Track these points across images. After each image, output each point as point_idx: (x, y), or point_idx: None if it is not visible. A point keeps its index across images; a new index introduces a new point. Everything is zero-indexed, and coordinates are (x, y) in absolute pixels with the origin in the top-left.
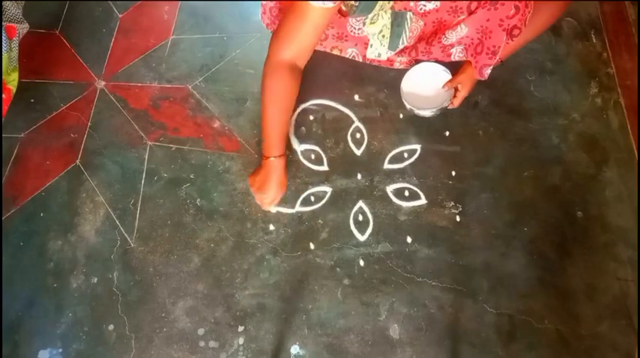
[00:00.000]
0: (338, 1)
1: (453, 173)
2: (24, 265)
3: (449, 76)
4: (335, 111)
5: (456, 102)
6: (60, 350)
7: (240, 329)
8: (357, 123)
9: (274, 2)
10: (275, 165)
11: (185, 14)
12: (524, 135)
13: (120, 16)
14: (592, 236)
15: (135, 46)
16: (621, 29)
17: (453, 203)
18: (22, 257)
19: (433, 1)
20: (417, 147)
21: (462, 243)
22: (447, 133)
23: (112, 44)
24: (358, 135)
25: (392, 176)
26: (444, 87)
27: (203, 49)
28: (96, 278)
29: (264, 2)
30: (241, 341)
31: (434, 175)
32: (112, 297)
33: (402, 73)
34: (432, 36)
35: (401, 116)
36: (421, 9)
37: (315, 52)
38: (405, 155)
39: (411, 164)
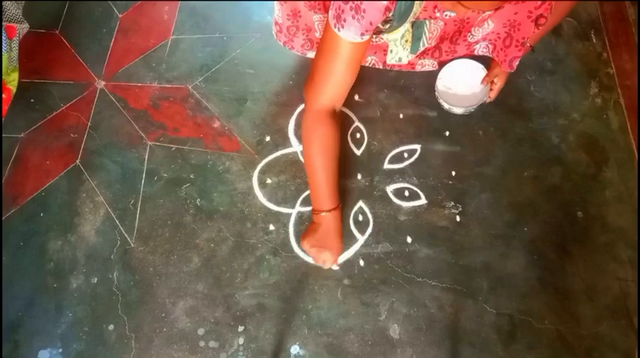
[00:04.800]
0: (370, 35)
1: (453, 173)
2: (24, 265)
3: (483, 71)
4: None
5: (493, 95)
6: (60, 350)
7: (240, 329)
8: (357, 123)
9: (291, 22)
10: (331, 220)
11: (185, 14)
12: (524, 135)
13: (120, 16)
14: (592, 236)
15: (135, 46)
16: (621, 29)
17: (453, 203)
18: (22, 257)
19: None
20: (417, 147)
21: (462, 243)
22: (447, 133)
23: (112, 44)
24: (358, 135)
25: (392, 176)
26: (482, 82)
27: (203, 49)
28: (96, 278)
29: (279, 22)
30: (241, 341)
31: (434, 175)
32: (112, 297)
33: (403, 73)
34: (455, 34)
35: (401, 116)
36: (447, 15)
37: None
38: (405, 155)
39: (411, 164)
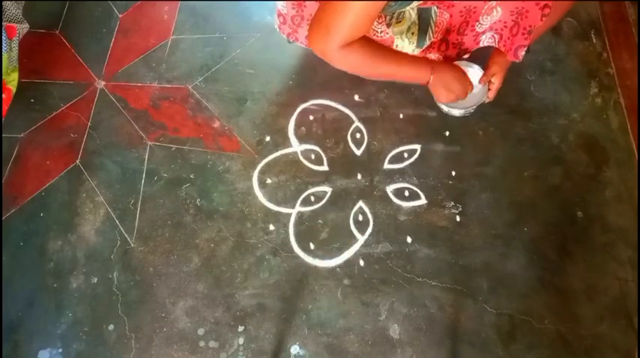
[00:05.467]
0: None
1: (453, 173)
2: (24, 265)
3: (479, 71)
4: (335, 111)
5: (492, 95)
6: (60, 350)
7: (240, 329)
8: (357, 123)
9: (296, 11)
10: (439, 79)
11: (185, 14)
12: (524, 135)
13: (120, 16)
14: (592, 236)
15: (135, 46)
16: (621, 29)
17: (453, 203)
18: (22, 257)
19: None
20: (417, 147)
21: (462, 243)
22: (447, 133)
23: (112, 44)
24: (358, 135)
25: (392, 176)
26: (480, 82)
27: (203, 49)
28: (96, 278)
29: (283, 12)
30: (241, 341)
31: (434, 175)
32: (112, 297)
33: None
34: (462, 25)
35: (401, 116)
36: None
37: None
38: (405, 155)
39: (411, 164)
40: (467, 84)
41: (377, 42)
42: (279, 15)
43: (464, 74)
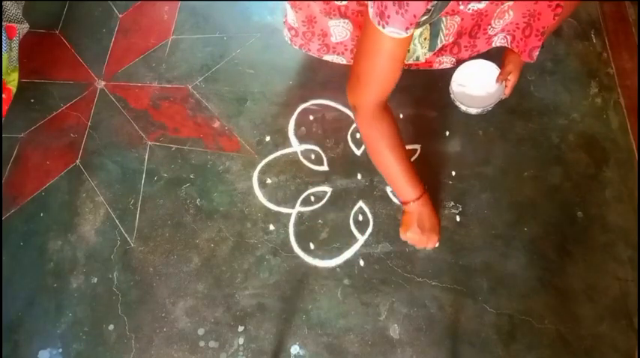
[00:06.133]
0: (413, 29)
1: (453, 173)
2: (24, 265)
3: (496, 70)
4: (335, 111)
5: (508, 91)
6: (60, 350)
7: (240, 329)
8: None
9: (307, 28)
10: (422, 206)
11: (185, 14)
12: (524, 135)
13: (120, 16)
14: (592, 236)
15: (135, 46)
16: (621, 29)
17: (453, 203)
18: (22, 257)
19: (484, 1)
20: (417, 147)
21: (462, 243)
22: (447, 133)
23: (112, 44)
24: (358, 135)
25: None
26: (497, 81)
27: (203, 49)
28: (96, 278)
29: (295, 26)
30: (241, 341)
31: (434, 175)
32: (112, 297)
33: (403, 73)
34: (474, 28)
35: (401, 116)
36: (470, 9)
37: None
38: None
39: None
40: (436, 232)
41: (401, 142)
42: (291, 28)
43: (437, 222)
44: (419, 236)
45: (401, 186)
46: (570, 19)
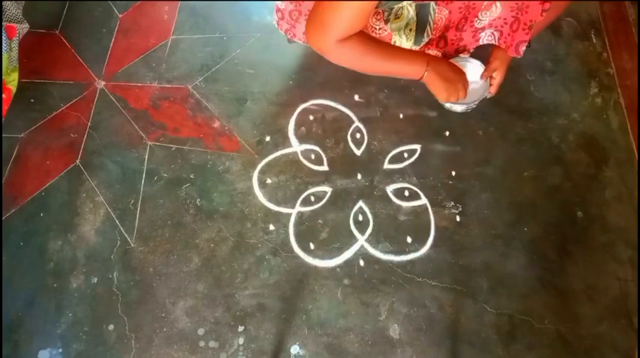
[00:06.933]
0: None
1: (453, 173)
2: (24, 265)
3: (481, 67)
4: (335, 111)
5: (493, 90)
6: (60, 350)
7: (240, 329)
8: (357, 123)
9: (294, 6)
10: (435, 69)
11: (185, 14)
12: (524, 135)
13: (120, 16)
14: (592, 236)
15: (135, 46)
16: (621, 29)
17: (453, 203)
18: (22, 257)
19: None
20: (417, 147)
21: (462, 243)
22: (447, 133)
23: (112, 44)
24: (358, 135)
25: (392, 176)
26: (482, 78)
27: (203, 49)
28: (96, 278)
29: (282, 7)
30: (241, 341)
31: (434, 175)
32: (112, 297)
33: None
34: (461, 21)
35: (401, 116)
36: None
37: None
38: (405, 155)
39: (411, 164)
40: (463, 76)
41: (374, 37)
42: (278, 10)
43: (459, 69)
44: (454, 88)
45: (405, 70)
46: (570, 19)
